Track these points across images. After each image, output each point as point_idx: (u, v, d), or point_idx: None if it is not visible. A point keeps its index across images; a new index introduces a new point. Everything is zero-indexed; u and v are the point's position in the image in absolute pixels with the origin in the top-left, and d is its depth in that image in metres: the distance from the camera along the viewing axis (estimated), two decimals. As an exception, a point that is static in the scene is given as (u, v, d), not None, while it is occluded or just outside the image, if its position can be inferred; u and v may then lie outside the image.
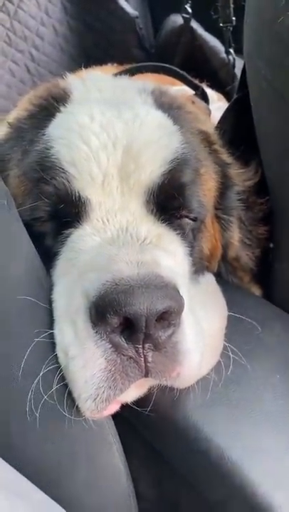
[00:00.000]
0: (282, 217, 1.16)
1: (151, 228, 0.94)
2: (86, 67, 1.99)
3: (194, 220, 1.03)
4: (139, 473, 1.02)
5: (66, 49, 2.56)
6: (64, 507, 0.81)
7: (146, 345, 0.79)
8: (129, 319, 0.76)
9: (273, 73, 0.98)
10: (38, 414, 0.81)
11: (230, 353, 0.94)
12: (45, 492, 0.80)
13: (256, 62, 1.05)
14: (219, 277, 1.18)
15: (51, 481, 0.83)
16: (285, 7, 0.91)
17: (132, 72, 1.55)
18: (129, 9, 2.49)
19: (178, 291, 0.82)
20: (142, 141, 0.98)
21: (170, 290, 0.80)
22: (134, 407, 0.91)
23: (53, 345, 0.85)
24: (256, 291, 1.23)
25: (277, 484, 0.84)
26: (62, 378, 0.84)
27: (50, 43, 2.50)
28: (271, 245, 1.26)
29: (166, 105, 1.10)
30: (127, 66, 1.79)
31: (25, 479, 0.76)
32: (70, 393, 0.83)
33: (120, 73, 1.51)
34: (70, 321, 0.84)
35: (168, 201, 0.98)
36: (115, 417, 0.93)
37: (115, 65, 2.07)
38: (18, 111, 1.14)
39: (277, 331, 1.07)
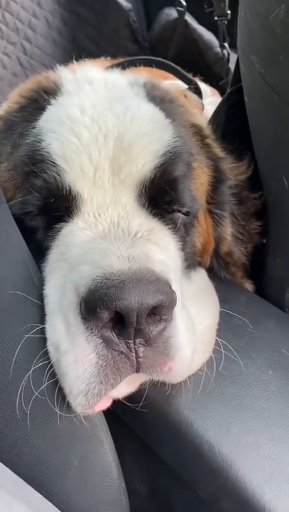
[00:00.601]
0: (276, 212, 1.16)
1: (142, 222, 0.93)
2: (79, 60, 1.98)
3: (186, 214, 1.03)
4: (131, 469, 1.02)
5: (59, 41, 2.54)
6: (55, 504, 0.81)
7: (138, 340, 0.78)
8: (120, 314, 0.75)
9: (266, 67, 0.98)
10: (28, 411, 0.80)
11: (222, 349, 0.94)
12: (37, 490, 0.79)
13: (249, 56, 1.04)
14: (212, 273, 1.17)
15: (42, 478, 0.82)
16: (278, 1, 0.90)
17: (124, 66, 1.54)
18: (123, 2, 2.47)
19: (170, 286, 0.81)
20: (134, 134, 0.97)
21: (162, 284, 0.79)
22: (125, 402, 0.90)
23: (44, 340, 0.85)
24: (249, 287, 1.22)
25: (268, 478, 0.84)
26: (53, 374, 0.83)
27: (42, 35, 2.48)
28: (264, 241, 1.26)
29: (158, 98, 1.09)
30: (120, 59, 1.78)
31: (21, 480, 0.76)
32: (60, 389, 0.83)
33: (113, 66, 1.50)
34: (62, 316, 0.83)
35: (160, 195, 0.97)
36: (106, 413, 0.92)
37: (108, 58, 2.06)
38: (8, 104, 1.12)
39: (269, 327, 1.08)
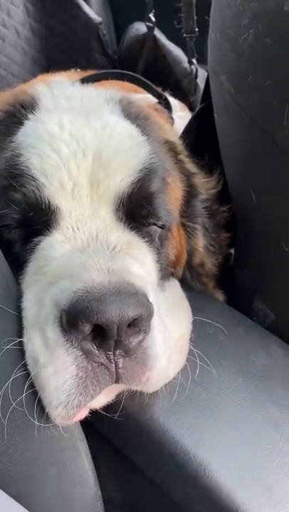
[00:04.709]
0: (243, 224, 1.21)
1: (120, 236, 0.95)
2: (49, 71, 2.00)
3: (162, 227, 1.06)
4: (106, 477, 1.03)
5: (28, 52, 2.54)
6: (33, 514, 0.82)
7: (117, 352, 0.80)
8: (101, 326, 0.77)
9: (236, 88, 1.02)
10: (5, 422, 0.80)
11: (196, 358, 0.97)
12: (14, 499, 0.79)
13: (220, 76, 1.08)
14: (184, 283, 1.20)
15: (20, 489, 0.82)
16: (248, 25, 0.95)
17: (96, 79, 1.57)
18: (93, 15, 2.50)
19: (148, 299, 0.83)
20: (112, 150, 0.99)
21: (140, 297, 0.81)
22: (102, 412, 0.92)
23: (22, 352, 0.85)
24: (220, 296, 1.26)
25: (240, 481, 0.87)
26: (32, 385, 0.84)
27: (11, 44, 2.47)
28: (232, 251, 1.31)
29: (133, 115, 1.12)
30: (92, 72, 1.81)
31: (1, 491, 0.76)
32: (39, 400, 0.83)
33: (85, 79, 1.52)
34: (40, 329, 0.84)
35: (137, 209, 1.00)
36: (81, 421, 0.93)
37: (79, 70, 2.08)
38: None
39: (239, 335, 1.11)
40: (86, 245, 0.91)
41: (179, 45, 2.36)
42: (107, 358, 0.80)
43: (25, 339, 0.86)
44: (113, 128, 1.03)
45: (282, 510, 0.85)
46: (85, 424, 0.95)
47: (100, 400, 0.89)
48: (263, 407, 0.97)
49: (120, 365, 0.81)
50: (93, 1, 2.65)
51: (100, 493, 0.96)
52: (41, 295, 0.87)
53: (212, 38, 1.13)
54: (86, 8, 2.51)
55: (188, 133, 1.39)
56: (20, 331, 0.87)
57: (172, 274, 1.18)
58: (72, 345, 0.79)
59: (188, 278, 1.22)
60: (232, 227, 1.25)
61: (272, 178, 1.00)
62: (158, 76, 2.07)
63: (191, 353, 0.98)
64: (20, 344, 0.86)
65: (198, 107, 1.41)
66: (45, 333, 0.83)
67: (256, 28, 0.92)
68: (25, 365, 0.84)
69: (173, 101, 1.87)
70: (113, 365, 0.80)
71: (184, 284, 1.21)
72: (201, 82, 2.19)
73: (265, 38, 0.90)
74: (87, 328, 0.77)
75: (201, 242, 1.20)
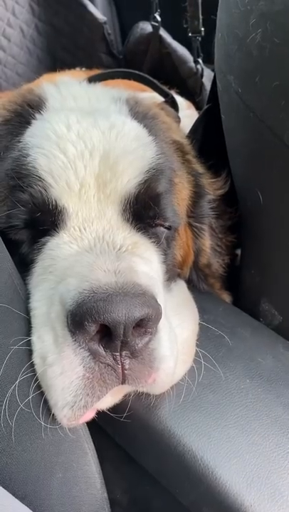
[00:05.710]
0: (250, 225, 1.20)
1: (127, 236, 0.95)
2: (54, 70, 1.99)
3: (168, 228, 1.05)
4: (112, 479, 1.03)
5: (33, 51, 2.53)
6: (39, 515, 0.81)
7: (124, 353, 0.80)
8: (107, 327, 0.77)
9: (243, 87, 1.02)
10: (13, 424, 0.80)
11: (202, 359, 0.97)
12: (21, 501, 0.79)
13: (226, 76, 1.08)
14: (191, 284, 1.20)
15: (26, 490, 0.82)
16: (255, 25, 0.94)
17: (103, 78, 1.56)
18: (98, 14, 2.49)
19: (156, 300, 0.83)
20: (119, 151, 0.99)
21: (148, 298, 0.81)
22: (109, 413, 0.92)
23: (29, 353, 0.85)
24: (226, 298, 1.26)
25: (248, 484, 0.87)
26: (39, 387, 0.84)
27: (17, 44, 2.47)
28: (238, 252, 1.30)
29: (141, 115, 1.12)
30: (98, 71, 1.80)
31: (4, 491, 0.76)
32: (45, 402, 0.83)
33: (92, 78, 1.52)
34: (50, 327, 0.84)
35: (144, 210, 1.00)
36: (88, 422, 0.93)
37: (84, 69, 2.08)
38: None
39: (245, 337, 1.11)
40: (93, 246, 0.91)
41: (184, 44, 2.35)
42: (114, 359, 0.80)
43: (34, 338, 0.86)
44: (120, 128, 1.03)
45: (290, 513, 0.84)
46: (93, 425, 0.94)
47: (107, 401, 0.89)
48: (271, 409, 0.96)
49: (127, 367, 0.81)
50: (98, 1, 2.65)
51: (106, 494, 0.96)
52: (50, 294, 0.87)
53: (219, 37, 1.12)
54: (91, 7, 2.51)
55: (194, 132, 1.38)
56: (27, 332, 0.87)
57: (179, 275, 1.17)
58: (79, 345, 0.79)
59: (195, 279, 1.22)
60: (239, 228, 1.24)
61: (279, 178, 1.00)
62: (164, 75, 2.06)
63: (197, 354, 0.98)
64: (28, 344, 0.86)
65: (204, 107, 1.40)
66: (55, 331, 0.83)
67: (264, 28, 0.91)
68: (32, 365, 0.84)
69: (179, 99, 1.86)
70: (119, 366, 0.80)
71: (191, 285, 1.21)
72: (207, 82, 2.18)
73: (274, 38, 0.89)
74: (92, 328, 0.77)
75: (208, 242, 1.20)
